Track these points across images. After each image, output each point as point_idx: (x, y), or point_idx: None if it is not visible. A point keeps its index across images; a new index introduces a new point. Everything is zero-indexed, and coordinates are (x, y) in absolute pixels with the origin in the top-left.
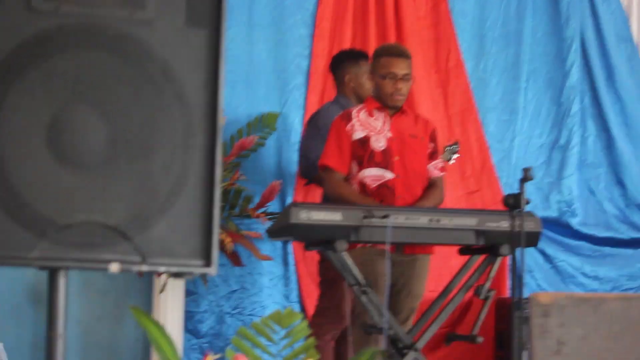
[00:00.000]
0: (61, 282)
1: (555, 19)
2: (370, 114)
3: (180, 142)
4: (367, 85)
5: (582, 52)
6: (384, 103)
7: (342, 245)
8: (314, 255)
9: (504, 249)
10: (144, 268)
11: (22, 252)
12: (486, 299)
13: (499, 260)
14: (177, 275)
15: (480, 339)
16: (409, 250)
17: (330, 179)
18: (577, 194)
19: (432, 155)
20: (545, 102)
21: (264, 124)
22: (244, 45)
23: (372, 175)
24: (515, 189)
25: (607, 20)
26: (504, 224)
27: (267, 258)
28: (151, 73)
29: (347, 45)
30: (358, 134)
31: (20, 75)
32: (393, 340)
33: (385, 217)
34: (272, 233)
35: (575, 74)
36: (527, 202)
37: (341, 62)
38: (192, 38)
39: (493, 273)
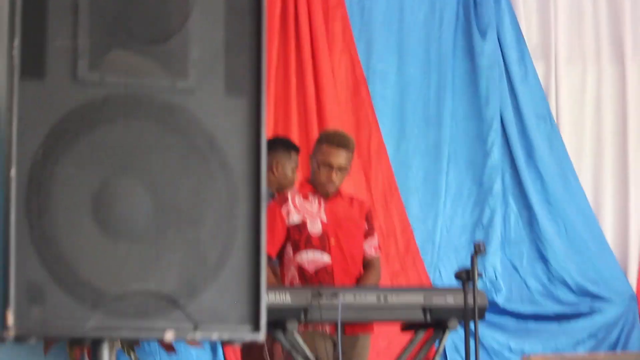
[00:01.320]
0: (105, 354)
1: (475, 99)
2: (306, 197)
3: (226, 210)
4: (290, 178)
5: (503, 132)
6: (316, 188)
7: (293, 325)
8: None
9: (452, 323)
10: (198, 335)
11: (78, 324)
12: None
13: (447, 334)
14: (228, 342)
15: None
16: (349, 331)
17: None
18: (500, 271)
19: (367, 235)
20: (467, 182)
21: None
22: None
23: (310, 259)
24: (439, 269)
25: (526, 99)
26: (450, 299)
27: (197, 344)
28: (197, 142)
29: (270, 130)
30: (294, 218)
31: (68, 146)
32: None
33: (334, 296)
34: None
35: (496, 153)
36: (480, 276)
37: (273, 148)
38: (232, 106)
39: (442, 347)
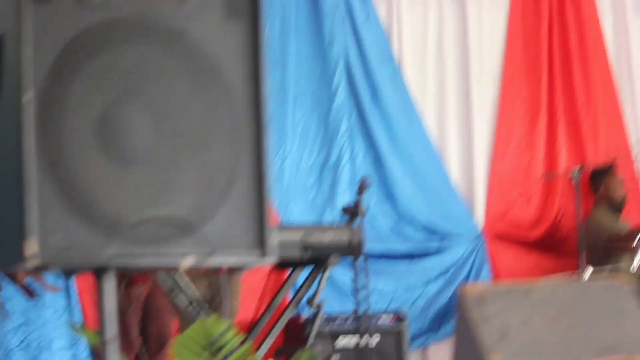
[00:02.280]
0: (108, 284)
1: (319, 41)
2: None
3: (231, 134)
4: None
5: (347, 73)
6: None
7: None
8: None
9: (333, 259)
10: (213, 260)
11: (97, 252)
12: (318, 310)
13: (327, 271)
14: (238, 267)
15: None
16: (223, 269)
17: None
18: None
19: None
20: (313, 123)
21: None
22: None
23: None
24: (289, 210)
25: (370, 41)
26: (329, 236)
27: (55, 289)
28: (200, 67)
29: None
30: None
31: (76, 70)
32: None
33: None
34: None
35: (342, 94)
36: (366, 212)
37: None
38: (232, 31)
39: (323, 284)
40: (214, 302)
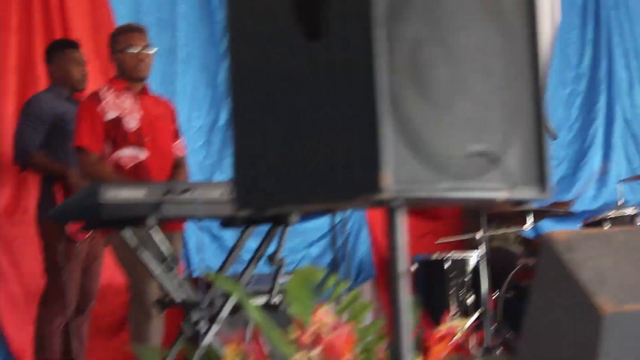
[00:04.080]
0: (399, 219)
1: (207, 3)
2: (118, 95)
3: (522, 73)
4: (75, 73)
5: None
6: (130, 78)
7: (152, 221)
8: (11, 244)
9: (293, 217)
10: (512, 194)
11: (433, 187)
12: (279, 267)
13: (288, 228)
14: (518, 203)
15: None
16: (168, 228)
17: (87, 159)
18: None
19: (175, 136)
20: (202, 86)
21: None
22: None
23: (127, 155)
24: None
25: None
26: None
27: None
28: (499, 7)
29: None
30: (110, 115)
31: (405, 8)
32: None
33: (185, 191)
34: (60, 216)
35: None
36: None
37: (48, 53)
38: None
39: (284, 241)
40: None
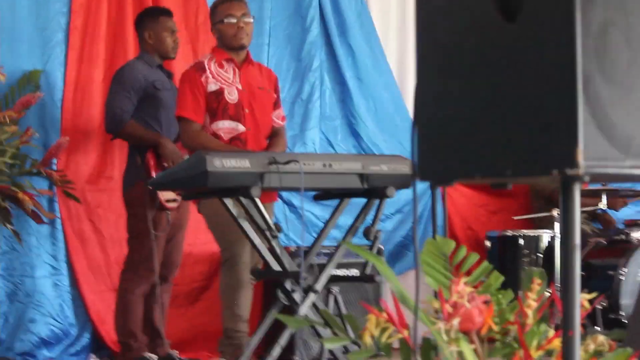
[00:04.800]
0: (576, 192)
1: None
2: (220, 66)
3: None
4: (168, 41)
5: (320, 9)
6: (230, 47)
7: (257, 191)
8: (80, 214)
9: (390, 191)
10: None
11: (618, 166)
12: (375, 239)
13: (384, 202)
14: None
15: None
16: (267, 199)
17: (189, 129)
18: (319, 146)
19: (275, 105)
20: (286, 57)
21: (29, 81)
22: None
23: (226, 127)
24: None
25: None
26: (384, 167)
27: (54, 216)
28: None
29: (105, 4)
30: (212, 86)
31: None
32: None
33: (289, 162)
34: (162, 184)
35: (315, 30)
36: None
37: (141, 21)
38: None
39: (380, 214)
40: None
